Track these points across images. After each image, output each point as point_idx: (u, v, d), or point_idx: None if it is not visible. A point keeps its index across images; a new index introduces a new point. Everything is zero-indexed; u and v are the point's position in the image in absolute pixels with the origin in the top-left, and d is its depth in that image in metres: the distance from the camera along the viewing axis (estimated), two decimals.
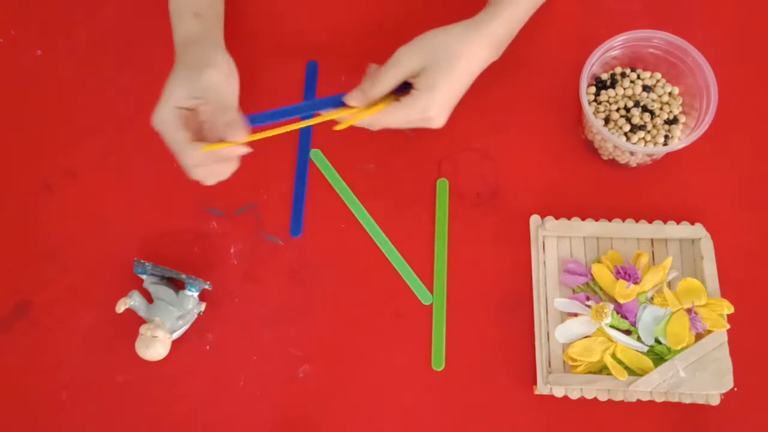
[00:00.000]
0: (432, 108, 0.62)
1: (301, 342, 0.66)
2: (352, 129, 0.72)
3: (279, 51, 0.75)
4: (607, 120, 0.68)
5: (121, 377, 0.65)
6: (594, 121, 0.64)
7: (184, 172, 0.61)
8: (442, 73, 0.62)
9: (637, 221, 0.67)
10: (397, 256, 0.68)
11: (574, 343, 0.62)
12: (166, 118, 0.60)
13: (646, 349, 0.62)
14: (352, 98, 0.63)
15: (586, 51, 0.66)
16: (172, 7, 0.69)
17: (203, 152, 0.59)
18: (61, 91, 0.74)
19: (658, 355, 0.62)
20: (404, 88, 0.63)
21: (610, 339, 0.62)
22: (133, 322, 0.64)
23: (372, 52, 0.75)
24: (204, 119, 0.61)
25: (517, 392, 0.64)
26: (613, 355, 0.62)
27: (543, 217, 0.68)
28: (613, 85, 0.69)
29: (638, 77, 0.69)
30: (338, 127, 0.63)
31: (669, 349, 0.62)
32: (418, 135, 0.71)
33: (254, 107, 0.70)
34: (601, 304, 0.62)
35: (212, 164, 0.60)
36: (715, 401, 0.62)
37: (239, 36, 0.71)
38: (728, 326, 0.62)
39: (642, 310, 0.63)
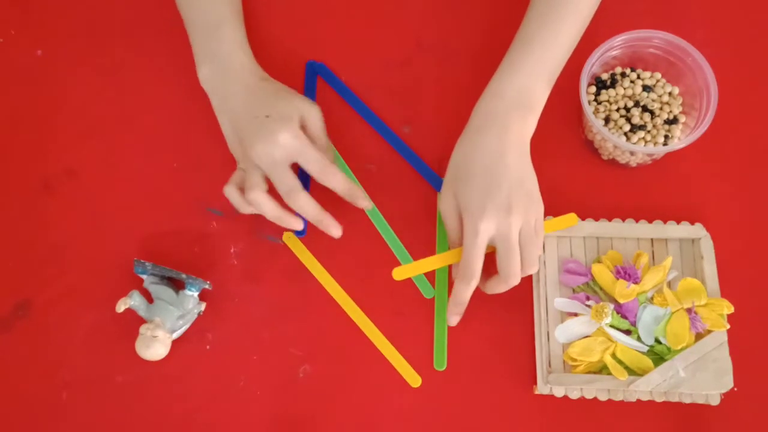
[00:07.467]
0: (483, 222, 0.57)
1: (301, 342, 0.66)
2: (352, 129, 0.72)
3: (279, 51, 0.75)
4: (607, 120, 0.68)
5: (121, 377, 0.65)
6: (594, 121, 0.64)
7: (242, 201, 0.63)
8: (476, 191, 0.58)
9: (637, 221, 0.67)
10: (398, 255, 0.68)
11: (574, 343, 0.62)
12: (299, 138, 0.56)
13: (646, 349, 0.62)
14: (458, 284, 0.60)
15: (586, 51, 0.66)
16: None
17: (308, 204, 0.61)
18: (61, 91, 0.74)
19: (658, 355, 0.62)
20: None
21: (610, 339, 0.62)
22: (133, 322, 0.64)
23: (372, 51, 0.75)
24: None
25: (517, 392, 0.64)
26: (613, 355, 0.62)
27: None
28: (613, 85, 0.69)
29: (638, 77, 0.69)
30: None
31: (669, 349, 0.62)
32: (417, 134, 0.71)
33: None
34: (601, 304, 0.62)
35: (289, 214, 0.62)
36: (715, 401, 0.62)
37: None
38: (728, 326, 0.62)
39: (642, 310, 0.63)
